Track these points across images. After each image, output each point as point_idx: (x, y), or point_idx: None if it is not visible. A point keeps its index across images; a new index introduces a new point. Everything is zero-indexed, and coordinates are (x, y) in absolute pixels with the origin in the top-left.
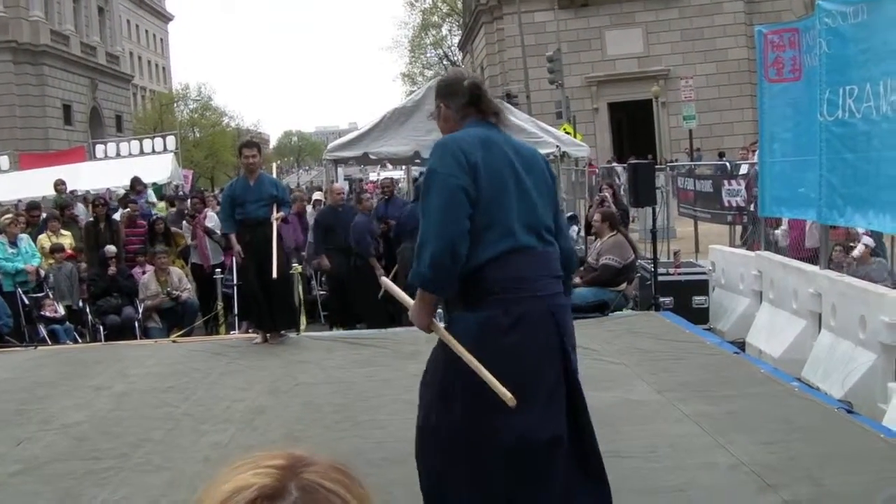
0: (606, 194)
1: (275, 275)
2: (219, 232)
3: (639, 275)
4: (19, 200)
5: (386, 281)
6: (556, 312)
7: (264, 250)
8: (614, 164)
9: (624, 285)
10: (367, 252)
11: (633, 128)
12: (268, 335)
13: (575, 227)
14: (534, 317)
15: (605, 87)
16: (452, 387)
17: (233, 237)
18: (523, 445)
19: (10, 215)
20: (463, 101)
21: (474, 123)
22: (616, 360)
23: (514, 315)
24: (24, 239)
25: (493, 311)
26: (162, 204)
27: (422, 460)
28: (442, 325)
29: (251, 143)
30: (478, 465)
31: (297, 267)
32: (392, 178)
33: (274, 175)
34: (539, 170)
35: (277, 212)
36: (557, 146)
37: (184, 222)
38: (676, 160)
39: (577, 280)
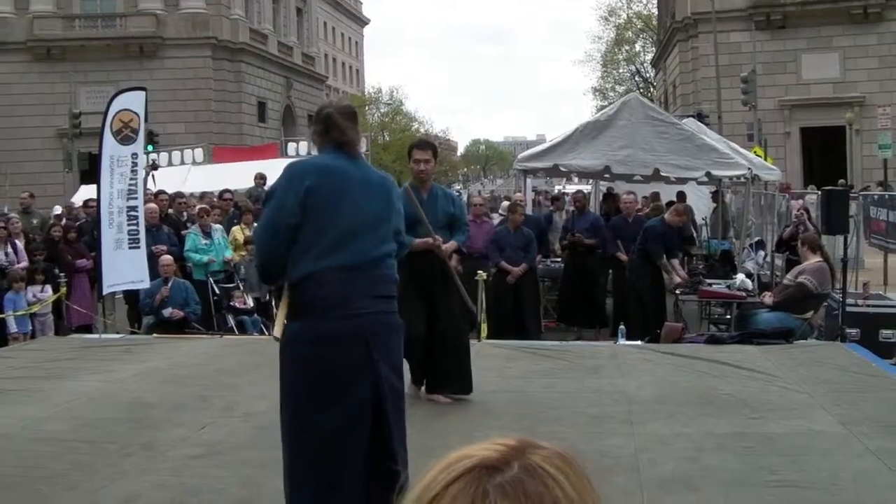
0: (804, 213)
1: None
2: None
3: (826, 304)
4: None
5: None
6: (370, 332)
7: (437, 288)
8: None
9: (811, 313)
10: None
11: (824, 154)
12: (424, 391)
13: (762, 252)
14: (344, 334)
15: (798, 112)
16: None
17: None
18: (324, 451)
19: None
20: (319, 128)
21: (328, 150)
22: (799, 389)
23: (326, 330)
24: (218, 230)
25: (308, 322)
26: None
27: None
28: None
29: (426, 142)
30: (299, 456)
31: (482, 274)
32: (583, 192)
33: (457, 186)
34: (383, 197)
35: (452, 236)
36: (749, 168)
37: None
38: (869, 189)
39: (766, 300)
